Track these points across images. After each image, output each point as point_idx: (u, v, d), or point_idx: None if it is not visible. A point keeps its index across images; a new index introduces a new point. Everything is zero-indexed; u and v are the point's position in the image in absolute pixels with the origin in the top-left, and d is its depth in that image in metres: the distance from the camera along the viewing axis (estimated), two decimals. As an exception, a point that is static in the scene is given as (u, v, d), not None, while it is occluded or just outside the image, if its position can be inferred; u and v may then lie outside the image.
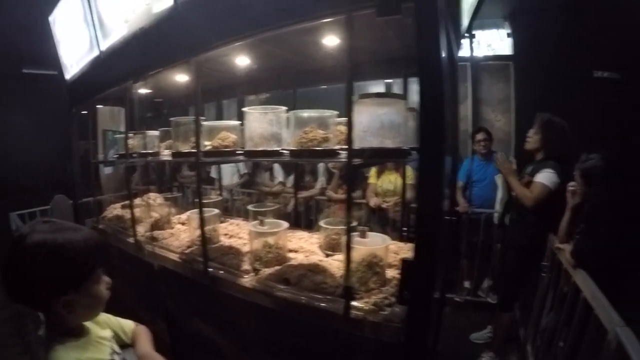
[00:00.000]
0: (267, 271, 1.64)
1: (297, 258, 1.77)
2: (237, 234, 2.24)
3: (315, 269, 1.57)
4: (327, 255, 1.84)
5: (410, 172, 2.70)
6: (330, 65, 1.98)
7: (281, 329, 1.48)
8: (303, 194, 3.69)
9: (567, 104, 2.95)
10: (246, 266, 1.73)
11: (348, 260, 1.24)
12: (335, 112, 1.45)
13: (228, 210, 3.67)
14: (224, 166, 4.23)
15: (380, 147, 1.19)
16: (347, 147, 1.15)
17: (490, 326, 2.84)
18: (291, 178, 3.93)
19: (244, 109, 1.59)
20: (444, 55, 1.00)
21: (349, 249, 1.22)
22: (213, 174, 4.34)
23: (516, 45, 4.33)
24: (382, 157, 1.36)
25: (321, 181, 3.82)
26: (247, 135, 1.58)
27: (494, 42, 4.50)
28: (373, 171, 3.39)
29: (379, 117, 1.17)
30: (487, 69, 4.52)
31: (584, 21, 3.68)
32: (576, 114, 2.55)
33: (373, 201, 3.23)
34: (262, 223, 1.81)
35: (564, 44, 3.80)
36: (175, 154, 1.96)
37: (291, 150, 1.45)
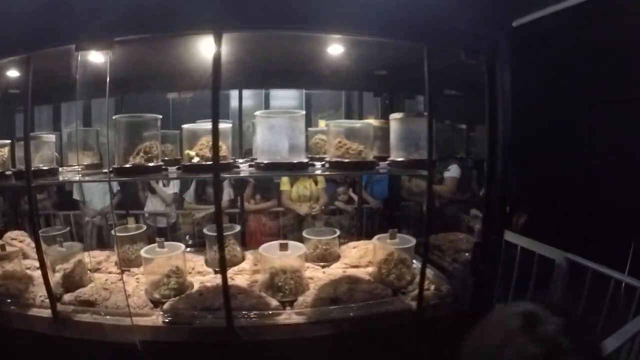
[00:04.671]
0: (304, 300, 1.49)
1: (317, 276, 1.69)
2: (195, 268, 1.86)
3: (350, 280, 1.60)
4: (323, 267, 1.82)
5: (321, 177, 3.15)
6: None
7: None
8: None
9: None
10: (274, 302, 1.48)
11: (425, 260, 1.46)
12: (371, 122, 1.56)
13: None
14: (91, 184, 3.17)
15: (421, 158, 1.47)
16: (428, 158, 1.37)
17: None
18: (190, 191, 3.51)
19: (258, 113, 1.42)
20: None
21: (426, 254, 1.50)
22: (76, 194, 3.36)
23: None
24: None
25: (228, 192, 3.47)
26: (264, 144, 1.42)
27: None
28: (285, 178, 3.29)
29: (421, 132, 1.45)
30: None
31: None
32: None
33: (304, 209, 3.25)
34: (284, 246, 1.59)
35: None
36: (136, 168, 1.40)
37: (331, 162, 1.43)
